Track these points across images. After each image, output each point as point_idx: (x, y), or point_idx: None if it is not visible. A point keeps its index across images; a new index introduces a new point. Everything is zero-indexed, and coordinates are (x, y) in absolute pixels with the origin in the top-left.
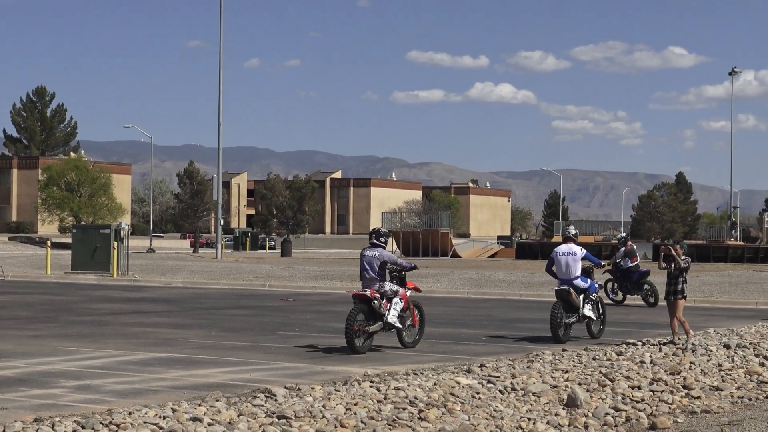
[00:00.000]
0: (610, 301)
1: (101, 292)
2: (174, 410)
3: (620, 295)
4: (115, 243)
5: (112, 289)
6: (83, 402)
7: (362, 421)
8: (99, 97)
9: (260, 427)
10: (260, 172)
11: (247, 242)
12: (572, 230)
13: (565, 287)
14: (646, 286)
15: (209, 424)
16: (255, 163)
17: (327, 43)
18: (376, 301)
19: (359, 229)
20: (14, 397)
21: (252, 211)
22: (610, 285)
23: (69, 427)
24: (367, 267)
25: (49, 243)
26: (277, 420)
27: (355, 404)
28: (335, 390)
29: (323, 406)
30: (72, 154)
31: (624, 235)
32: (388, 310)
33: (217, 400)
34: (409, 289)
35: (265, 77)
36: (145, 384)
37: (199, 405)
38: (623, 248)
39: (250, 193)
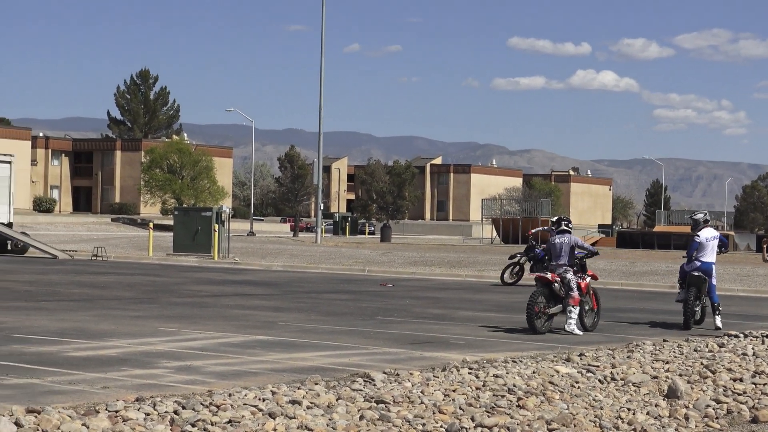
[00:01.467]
0: None
1: (202, 274)
2: (273, 393)
3: None
4: (216, 226)
5: (212, 272)
6: (184, 383)
7: (460, 408)
8: (201, 81)
9: (359, 411)
10: (360, 157)
11: (347, 227)
12: (703, 216)
13: (700, 274)
14: None
15: (308, 408)
16: (355, 148)
17: (428, 28)
18: (556, 284)
19: (459, 215)
20: (116, 377)
21: (352, 196)
22: None
23: (170, 407)
24: (559, 252)
25: (151, 225)
26: (375, 405)
27: (454, 391)
28: (434, 376)
29: (421, 392)
30: (174, 136)
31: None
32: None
33: (316, 384)
34: (588, 275)
35: (365, 62)
36: (245, 366)
37: (299, 388)
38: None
39: (350, 178)
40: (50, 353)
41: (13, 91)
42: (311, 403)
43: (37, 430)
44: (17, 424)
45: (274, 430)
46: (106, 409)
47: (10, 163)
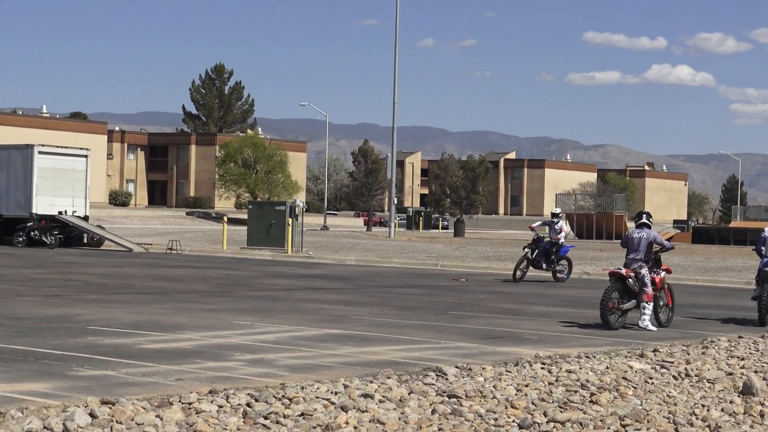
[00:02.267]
0: None
1: (275, 267)
2: (346, 386)
3: None
4: (290, 220)
5: (286, 265)
6: (257, 375)
7: (533, 403)
8: (275, 76)
9: (431, 405)
10: (434, 151)
11: (420, 221)
12: None
13: None
14: None
15: (380, 401)
16: (429, 142)
17: (502, 23)
18: (630, 280)
19: (533, 210)
20: (190, 369)
21: (425, 191)
22: None
23: (243, 399)
24: (637, 247)
25: (225, 218)
26: (447, 399)
27: (526, 386)
28: (506, 371)
29: (494, 387)
30: (249, 131)
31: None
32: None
33: (389, 378)
34: (663, 270)
35: (439, 57)
36: (317, 359)
37: (371, 382)
38: None
39: (424, 172)
40: (125, 345)
41: (89, 86)
42: (383, 396)
43: (112, 421)
44: (92, 415)
45: (346, 423)
46: (179, 401)
47: (86, 157)
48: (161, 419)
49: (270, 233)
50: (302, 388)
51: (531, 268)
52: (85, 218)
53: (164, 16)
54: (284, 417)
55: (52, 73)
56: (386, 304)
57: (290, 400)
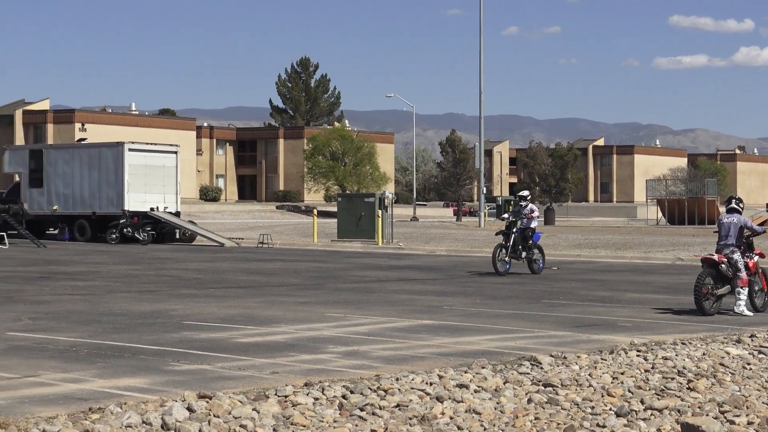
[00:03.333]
0: None
1: (366, 259)
2: (440, 377)
3: None
4: (380, 211)
5: (376, 257)
6: (351, 367)
7: (629, 391)
8: (361, 68)
9: (526, 394)
10: (522, 140)
11: (510, 210)
12: None
13: None
14: None
15: (475, 391)
16: (516, 131)
17: (587, 9)
18: (723, 265)
19: (623, 197)
20: (285, 362)
21: (514, 179)
22: None
23: (338, 391)
24: (727, 232)
25: (315, 211)
26: (543, 388)
27: (622, 373)
28: (601, 359)
29: (589, 375)
30: (336, 123)
31: None
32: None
33: (483, 368)
34: (756, 254)
35: (524, 44)
36: (411, 350)
37: (465, 372)
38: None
39: (512, 161)
40: (220, 339)
41: (177, 83)
42: (478, 386)
43: (209, 414)
44: (189, 409)
45: (442, 413)
46: (275, 394)
47: (176, 153)
48: (258, 412)
49: (360, 225)
50: (397, 379)
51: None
52: (177, 214)
53: (250, 12)
54: (380, 408)
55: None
56: (478, 293)
57: (385, 391)
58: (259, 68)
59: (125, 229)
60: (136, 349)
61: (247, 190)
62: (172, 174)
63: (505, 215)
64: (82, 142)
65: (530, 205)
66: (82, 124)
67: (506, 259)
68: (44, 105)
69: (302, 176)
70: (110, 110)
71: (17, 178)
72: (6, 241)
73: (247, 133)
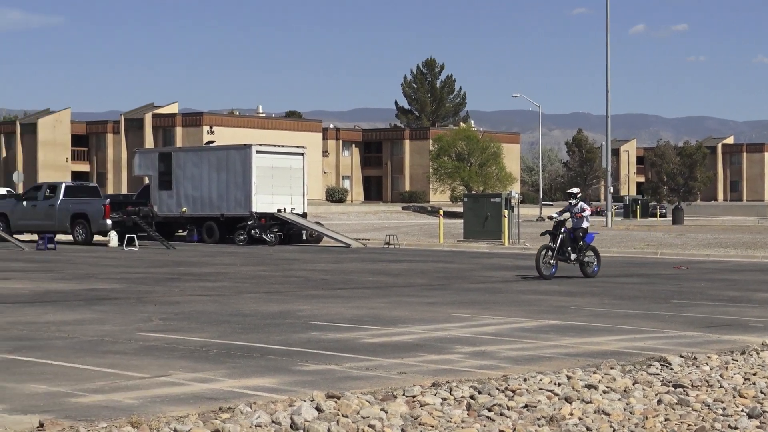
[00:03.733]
0: None
1: (492, 260)
2: (569, 377)
3: None
4: (506, 211)
5: (503, 257)
6: (478, 368)
7: (762, 392)
8: (486, 68)
9: (656, 395)
10: (649, 139)
11: (637, 210)
12: None
13: None
14: None
15: (604, 392)
16: (644, 129)
17: (715, 5)
18: None
19: (753, 195)
20: (412, 362)
21: (641, 179)
22: None
23: (466, 392)
24: None
25: (441, 212)
26: (673, 389)
27: (754, 374)
28: (732, 359)
29: (720, 376)
30: (462, 124)
31: None
32: None
33: (612, 368)
34: None
35: (651, 43)
36: (538, 351)
37: (594, 372)
38: None
39: (640, 160)
40: (347, 340)
41: (303, 85)
42: (607, 387)
43: (337, 414)
44: (318, 409)
45: (571, 414)
46: (403, 394)
47: (302, 155)
48: (386, 412)
49: (486, 225)
50: (525, 379)
51: (558, 259)
52: (304, 215)
53: (375, 13)
54: (508, 409)
55: (267, 74)
56: (606, 293)
57: (513, 392)
58: (385, 70)
59: (253, 231)
60: (265, 349)
61: (373, 191)
62: (299, 175)
63: (554, 214)
64: (210, 145)
65: (581, 203)
66: (210, 127)
67: (551, 261)
68: (173, 108)
69: (428, 177)
70: (237, 113)
71: (147, 181)
72: (136, 242)
73: (372, 135)
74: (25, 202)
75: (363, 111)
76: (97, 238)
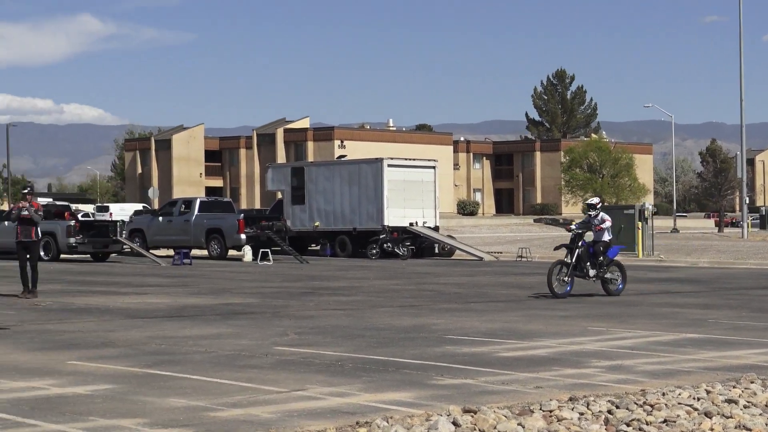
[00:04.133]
0: None
1: (629, 272)
2: (708, 392)
3: None
4: (639, 223)
5: (637, 269)
6: (615, 382)
7: None
8: (617, 78)
9: None
10: None
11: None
12: None
13: None
14: None
15: (745, 407)
16: None
17: None
18: None
19: None
20: (548, 376)
21: None
22: None
23: (603, 406)
24: None
25: (573, 224)
26: None
27: None
28: None
29: None
30: (593, 135)
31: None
32: None
33: (752, 382)
34: None
35: None
36: (676, 365)
37: (734, 387)
38: None
39: None
40: (482, 354)
41: (433, 98)
42: (748, 402)
43: (474, 429)
44: (455, 423)
45: (711, 429)
46: (540, 409)
47: (434, 168)
48: (523, 427)
49: (620, 237)
50: (663, 394)
51: (574, 276)
52: (436, 229)
53: (504, 25)
54: (646, 424)
55: (398, 87)
56: (744, 306)
57: (652, 406)
58: (515, 81)
59: (385, 245)
60: (400, 363)
61: (504, 204)
62: (431, 189)
63: (572, 226)
64: (342, 159)
65: (601, 214)
66: (341, 141)
67: (566, 278)
68: (304, 123)
69: (559, 189)
70: (368, 127)
71: (280, 196)
72: (270, 257)
73: (503, 147)
74: (160, 218)
75: (493, 123)
76: (231, 252)
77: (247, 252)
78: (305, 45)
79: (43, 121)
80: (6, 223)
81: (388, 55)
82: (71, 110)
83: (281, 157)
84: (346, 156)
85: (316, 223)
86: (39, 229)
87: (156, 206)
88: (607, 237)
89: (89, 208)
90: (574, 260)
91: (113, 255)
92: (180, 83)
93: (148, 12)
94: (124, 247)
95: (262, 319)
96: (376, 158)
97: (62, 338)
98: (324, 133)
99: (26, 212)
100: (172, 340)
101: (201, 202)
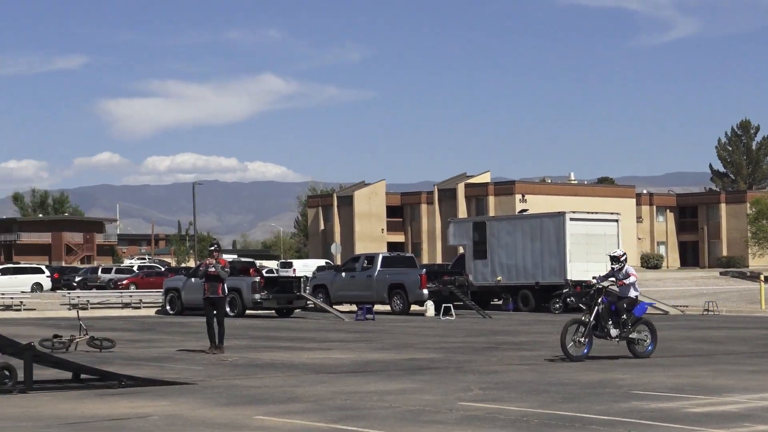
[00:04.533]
0: None
1: None
2: None
3: None
4: None
5: None
6: None
7: None
8: None
9: None
10: None
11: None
12: None
13: None
14: None
15: None
16: None
17: None
18: None
19: None
20: None
21: None
22: None
23: None
24: None
25: (762, 277)
26: None
27: None
28: None
29: None
30: None
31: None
32: None
33: None
34: None
35: None
36: None
37: None
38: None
39: None
40: (670, 409)
41: (615, 151)
42: None
43: None
44: None
45: None
46: None
47: (616, 221)
48: None
49: None
50: None
51: (594, 336)
52: None
53: (686, 76)
54: None
55: (579, 141)
56: None
57: None
58: (697, 132)
59: (568, 299)
60: (586, 419)
61: (689, 257)
62: (613, 242)
63: (593, 279)
64: (524, 213)
65: (626, 267)
66: (522, 195)
67: (582, 339)
68: (485, 178)
69: (746, 241)
70: (549, 180)
71: (461, 250)
72: (453, 312)
73: (687, 199)
74: (343, 273)
75: (676, 175)
76: (413, 308)
77: (430, 307)
78: (484, 100)
79: (227, 179)
80: (193, 279)
81: (567, 108)
82: (255, 168)
83: (462, 211)
84: (527, 210)
85: (499, 278)
86: (226, 285)
87: (339, 262)
88: (633, 293)
89: (273, 264)
90: (593, 319)
91: (297, 310)
92: (361, 140)
93: (328, 70)
94: (308, 302)
95: (445, 374)
96: (558, 212)
97: (249, 393)
98: (505, 188)
99: (213, 269)
100: (356, 395)
101: (383, 257)
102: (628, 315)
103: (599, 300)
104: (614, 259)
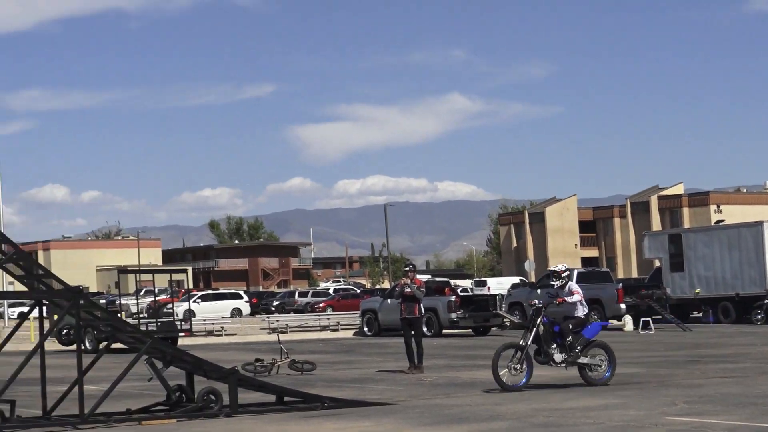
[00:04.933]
0: None
1: None
2: None
3: None
4: None
5: None
6: None
7: None
8: None
9: None
10: None
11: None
12: None
13: None
14: None
15: None
16: None
17: None
18: None
19: None
20: None
21: None
22: None
23: None
24: None
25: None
26: None
27: None
28: None
29: None
30: None
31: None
32: None
33: None
34: None
35: None
36: None
37: None
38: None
39: None
40: None
41: None
42: None
43: None
44: None
45: None
46: None
47: None
48: None
49: None
50: None
51: (536, 361)
52: None
53: None
54: None
55: None
56: None
57: None
58: None
59: None
60: None
61: None
62: None
63: (535, 301)
64: (720, 224)
65: (570, 284)
66: (717, 206)
67: (518, 366)
68: (678, 189)
69: None
70: (744, 190)
71: (657, 264)
72: (652, 326)
73: None
74: (539, 290)
75: None
76: (611, 322)
77: (628, 321)
78: (673, 110)
79: (418, 200)
80: (389, 300)
81: (761, 115)
82: (445, 187)
83: (656, 224)
84: (724, 221)
85: (697, 290)
86: (422, 305)
87: (533, 279)
88: (580, 312)
89: (467, 283)
90: (531, 342)
91: (494, 329)
92: (549, 155)
93: (514, 87)
94: (504, 320)
95: (648, 389)
96: (756, 221)
97: (451, 412)
98: (699, 199)
99: (409, 289)
100: (558, 411)
101: (579, 273)
102: (575, 337)
103: (538, 321)
104: (554, 275)
